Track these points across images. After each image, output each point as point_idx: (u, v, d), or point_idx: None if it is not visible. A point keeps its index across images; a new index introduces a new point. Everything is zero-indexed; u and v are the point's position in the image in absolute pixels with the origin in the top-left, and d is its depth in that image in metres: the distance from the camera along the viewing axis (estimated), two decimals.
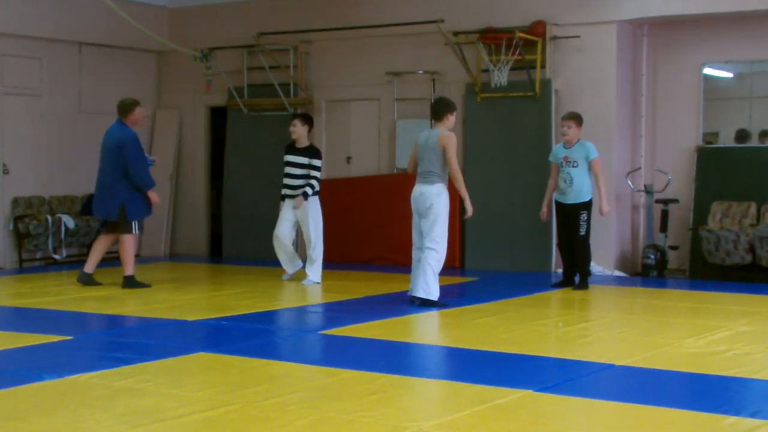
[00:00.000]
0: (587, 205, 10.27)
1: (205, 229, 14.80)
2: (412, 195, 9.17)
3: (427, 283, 8.94)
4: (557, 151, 10.53)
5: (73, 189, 13.90)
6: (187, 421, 5.02)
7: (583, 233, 10.23)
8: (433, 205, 8.94)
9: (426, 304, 8.94)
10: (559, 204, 10.44)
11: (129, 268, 10.29)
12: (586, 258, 10.42)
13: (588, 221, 10.25)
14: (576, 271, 10.42)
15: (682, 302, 9.94)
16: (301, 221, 10.86)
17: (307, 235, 10.84)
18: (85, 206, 13.84)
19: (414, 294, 9.05)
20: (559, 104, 12.08)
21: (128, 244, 10.29)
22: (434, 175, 9.02)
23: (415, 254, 9.20)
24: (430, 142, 9.06)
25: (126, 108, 10.37)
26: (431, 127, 9.47)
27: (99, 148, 10.57)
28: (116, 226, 10.30)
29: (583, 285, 10.28)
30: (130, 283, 10.29)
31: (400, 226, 13.03)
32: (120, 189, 10.20)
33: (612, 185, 11.92)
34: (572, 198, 10.24)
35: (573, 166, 10.21)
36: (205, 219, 14.78)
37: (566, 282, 10.50)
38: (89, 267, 10.47)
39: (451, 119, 9.16)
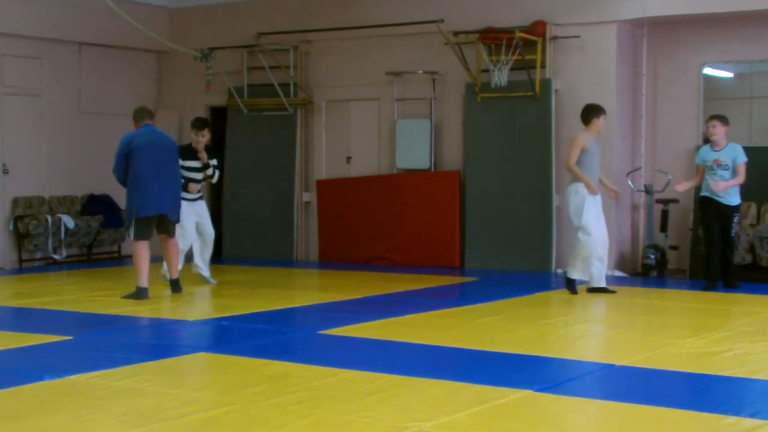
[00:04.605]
0: (739, 208, 10.50)
1: None
2: None
3: (572, 264, 9.96)
4: (705, 153, 10.45)
5: (73, 189, 13.90)
6: (187, 421, 5.02)
7: (733, 234, 10.45)
8: (569, 202, 9.91)
9: (569, 281, 9.96)
10: (716, 202, 10.33)
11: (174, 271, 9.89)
12: (733, 256, 10.67)
13: (738, 223, 10.56)
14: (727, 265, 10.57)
15: (682, 302, 9.93)
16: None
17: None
18: (85, 206, 13.86)
19: (564, 268, 10.27)
20: (559, 104, 12.08)
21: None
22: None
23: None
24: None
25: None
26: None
27: (115, 149, 9.81)
28: (169, 227, 9.81)
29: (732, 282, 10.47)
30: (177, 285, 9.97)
31: (400, 226, 13.06)
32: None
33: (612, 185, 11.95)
34: (727, 200, 10.30)
35: (724, 169, 10.26)
36: None
37: (715, 276, 10.46)
38: (175, 273, 9.92)
39: (597, 122, 9.87)
